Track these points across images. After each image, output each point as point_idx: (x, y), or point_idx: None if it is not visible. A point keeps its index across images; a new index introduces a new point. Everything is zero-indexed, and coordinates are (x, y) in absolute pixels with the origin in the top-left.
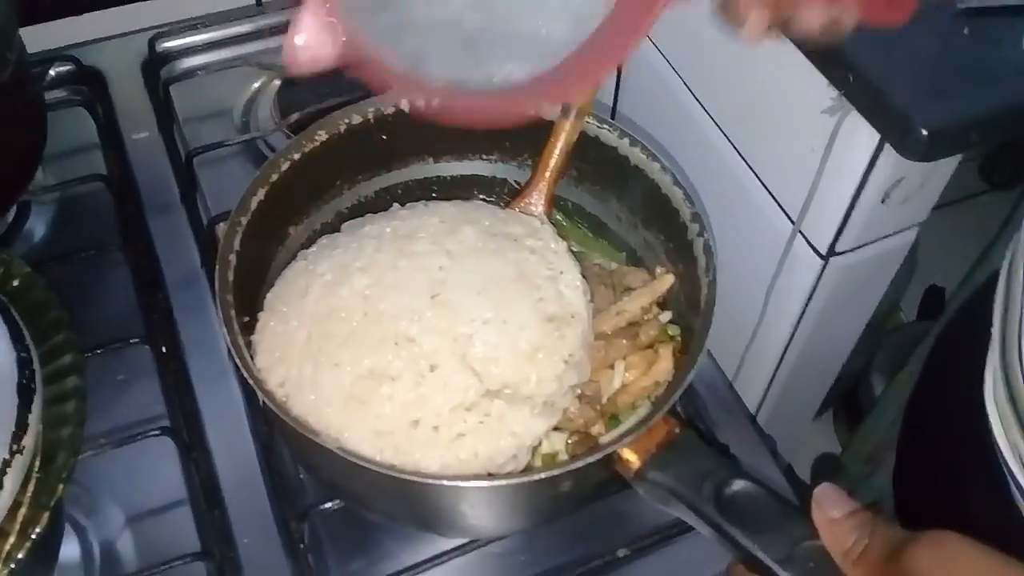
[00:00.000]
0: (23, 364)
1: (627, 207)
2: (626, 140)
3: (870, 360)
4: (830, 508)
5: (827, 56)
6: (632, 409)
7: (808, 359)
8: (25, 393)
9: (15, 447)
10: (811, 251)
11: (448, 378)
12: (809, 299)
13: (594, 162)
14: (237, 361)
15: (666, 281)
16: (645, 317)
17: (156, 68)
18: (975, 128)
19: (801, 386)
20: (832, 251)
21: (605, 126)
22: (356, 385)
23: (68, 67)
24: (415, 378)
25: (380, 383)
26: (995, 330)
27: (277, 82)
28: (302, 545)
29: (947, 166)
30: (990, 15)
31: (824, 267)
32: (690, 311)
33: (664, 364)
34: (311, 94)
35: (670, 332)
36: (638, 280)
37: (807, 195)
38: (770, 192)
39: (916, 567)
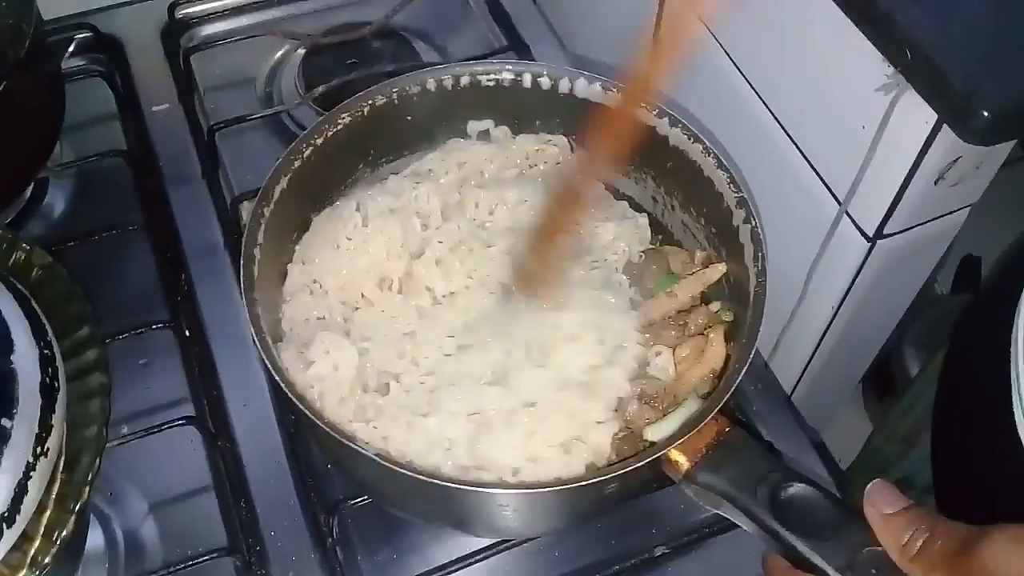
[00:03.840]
0: (46, 361)
1: (664, 188)
2: (666, 120)
3: (903, 334)
4: (883, 504)
5: (883, 30)
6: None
7: (847, 342)
8: (48, 393)
9: (39, 450)
10: (857, 233)
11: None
12: (852, 282)
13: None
14: (267, 362)
15: (717, 271)
16: (692, 305)
17: (176, 36)
18: None
19: (839, 367)
20: (880, 233)
21: (643, 105)
22: None
23: (85, 35)
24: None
25: None
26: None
27: (301, 51)
28: (331, 539)
29: (1005, 146)
30: None
31: (871, 249)
32: (735, 298)
33: (716, 349)
34: (336, 65)
35: (724, 317)
36: (678, 262)
37: (856, 175)
38: (816, 171)
39: (993, 563)
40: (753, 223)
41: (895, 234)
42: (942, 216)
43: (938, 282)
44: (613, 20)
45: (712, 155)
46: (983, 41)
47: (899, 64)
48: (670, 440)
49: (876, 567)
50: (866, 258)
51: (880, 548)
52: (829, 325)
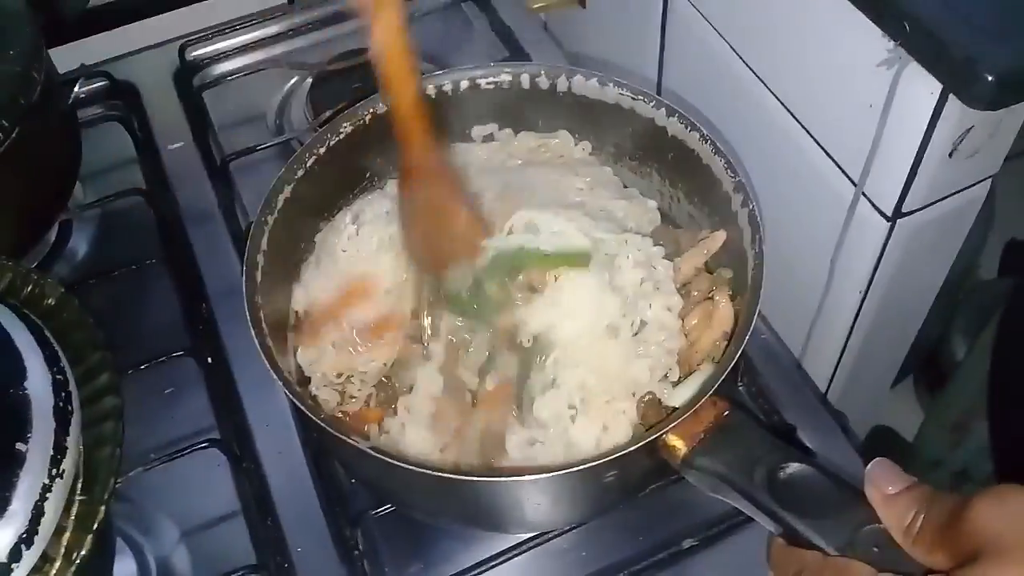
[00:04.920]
0: (59, 387)
1: (668, 180)
2: (663, 110)
3: (949, 322)
4: (885, 484)
5: (880, 5)
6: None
7: (880, 328)
8: (62, 416)
9: (54, 471)
10: (876, 213)
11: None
12: (877, 264)
13: (631, 135)
14: (265, 362)
15: (717, 239)
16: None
17: (188, 76)
18: None
19: (875, 356)
20: (899, 212)
21: (640, 97)
22: None
23: (101, 83)
24: None
25: None
26: None
27: (309, 81)
28: (357, 551)
29: (1019, 112)
30: None
31: (891, 229)
32: (738, 287)
33: (724, 311)
34: (343, 90)
35: (724, 275)
36: (685, 240)
37: (868, 154)
38: (829, 155)
39: (977, 527)
40: (750, 206)
41: (915, 212)
42: (962, 190)
43: (982, 267)
44: (619, 37)
45: (709, 142)
46: (980, 7)
47: (898, 37)
48: (667, 422)
49: (877, 544)
50: (888, 239)
51: (881, 525)
52: (859, 312)
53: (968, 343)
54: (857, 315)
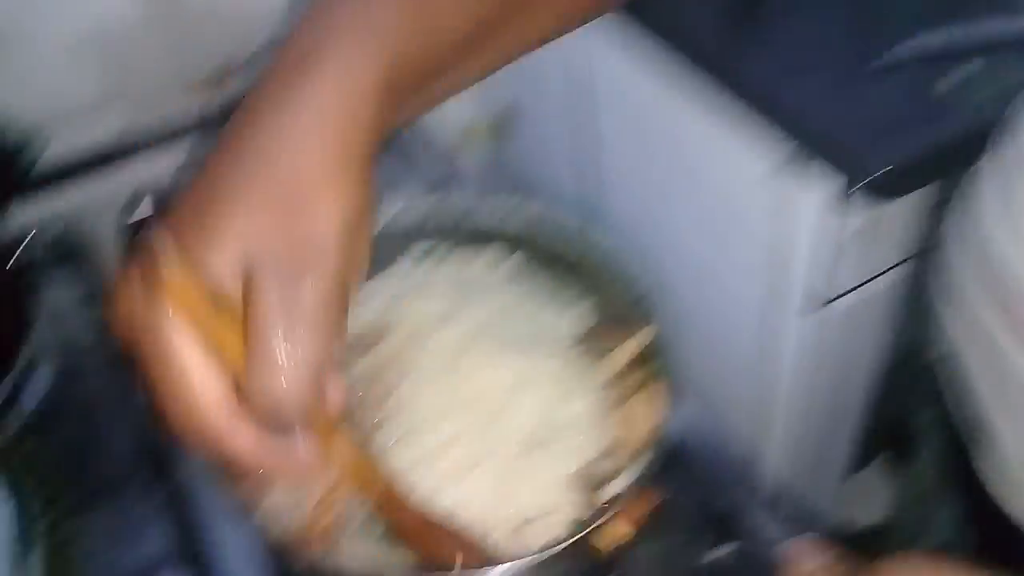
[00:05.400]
0: (19, 519)
1: (597, 284)
2: (581, 222)
3: (913, 394)
4: (800, 561)
5: (773, 108)
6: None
7: (818, 412)
8: (23, 548)
9: None
10: (796, 306)
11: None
12: (804, 356)
13: (559, 244)
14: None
15: (648, 333)
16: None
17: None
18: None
19: (818, 438)
20: (817, 302)
21: (560, 214)
22: None
23: (49, 239)
24: None
25: None
26: None
27: None
28: None
29: (925, 196)
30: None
31: (812, 318)
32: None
33: (655, 404)
34: None
35: (655, 368)
36: (618, 338)
37: (780, 250)
38: (742, 253)
39: None
40: (666, 307)
41: (833, 300)
42: (879, 275)
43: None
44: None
45: (625, 251)
46: (870, 100)
47: (795, 137)
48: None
49: None
50: (809, 329)
51: None
52: (792, 398)
53: (933, 411)
54: (791, 401)
